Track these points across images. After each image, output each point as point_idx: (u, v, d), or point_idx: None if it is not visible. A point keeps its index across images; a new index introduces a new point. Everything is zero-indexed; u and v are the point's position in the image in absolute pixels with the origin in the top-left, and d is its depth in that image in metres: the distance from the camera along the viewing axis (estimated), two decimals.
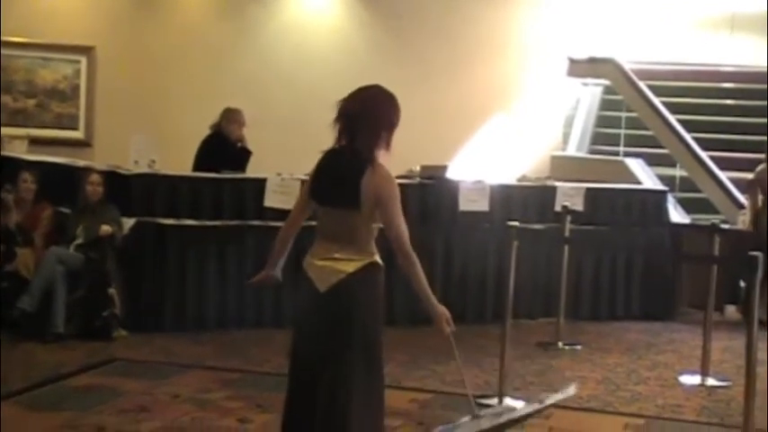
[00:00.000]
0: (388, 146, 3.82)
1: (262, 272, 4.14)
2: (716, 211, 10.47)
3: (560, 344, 7.86)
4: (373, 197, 3.74)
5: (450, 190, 8.63)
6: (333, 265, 3.79)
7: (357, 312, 3.78)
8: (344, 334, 3.78)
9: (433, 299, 3.79)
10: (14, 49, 10.41)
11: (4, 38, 10.13)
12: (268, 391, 6.03)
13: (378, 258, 3.90)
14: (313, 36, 11.30)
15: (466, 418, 3.81)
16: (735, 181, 10.60)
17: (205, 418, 5.48)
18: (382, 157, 3.86)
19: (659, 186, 10.15)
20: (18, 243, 7.65)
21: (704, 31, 12.83)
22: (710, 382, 6.85)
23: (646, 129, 11.61)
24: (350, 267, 3.79)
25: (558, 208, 8.62)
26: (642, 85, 11.59)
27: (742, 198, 10.24)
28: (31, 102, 10.59)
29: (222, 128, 8.57)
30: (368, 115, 3.79)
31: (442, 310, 3.81)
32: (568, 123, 12.47)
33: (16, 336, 7.15)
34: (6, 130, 9.77)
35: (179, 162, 8.41)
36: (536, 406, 3.76)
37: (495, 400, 6.07)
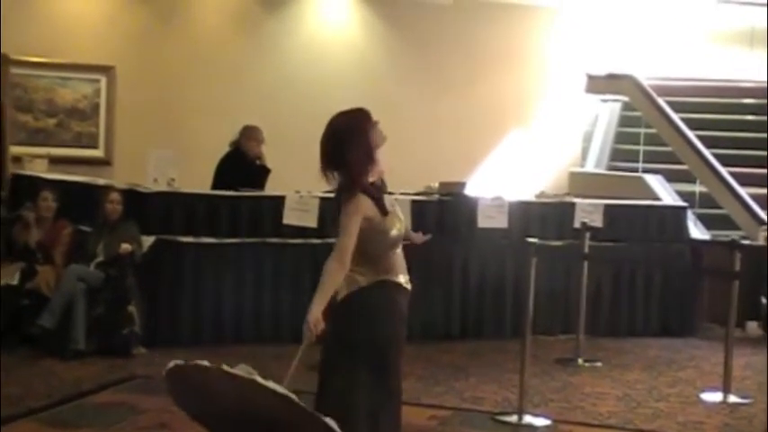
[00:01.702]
0: (360, 164, 3.81)
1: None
2: (736, 227, 10.42)
3: (580, 360, 7.83)
4: None
5: (469, 206, 8.62)
6: (353, 277, 3.84)
7: (362, 326, 3.79)
8: (349, 346, 3.81)
9: (316, 306, 3.70)
10: (34, 68, 10.47)
11: (24, 57, 10.20)
12: None
13: (395, 277, 3.91)
14: (331, 52, 11.33)
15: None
16: (755, 197, 10.55)
17: None
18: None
19: (679, 202, 10.11)
20: (38, 261, 7.71)
21: (723, 46, 12.79)
22: (732, 399, 6.80)
23: (665, 145, 11.57)
24: (363, 281, 3.84)
25: (576, 224, 8.59)
26: (661, 101, 11.56)
27: (762, 214, 10.18)
28: (52, 121, 10.64)
29: (241, 145, 8.61)
30: (326, 147, 3.86)
31: (316, 317, 3.69)
32: (587, 139, 12.46)
33: (37, 352, 7.19)
34: (27, 150, 9.83)
35: (198, 179, 8.44)
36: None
37: (514, 417, 6.06)
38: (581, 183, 11.44)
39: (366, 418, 3.78)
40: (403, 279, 3.94)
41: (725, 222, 10.70)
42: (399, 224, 3.90)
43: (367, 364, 3.80)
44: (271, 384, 3.36)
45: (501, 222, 8.60)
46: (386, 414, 3.83)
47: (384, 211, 3.84)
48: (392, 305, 3.89)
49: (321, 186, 8.02)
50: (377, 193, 3.87)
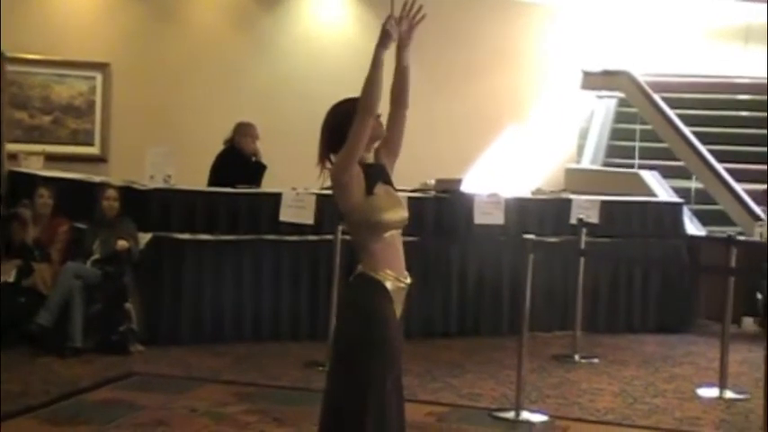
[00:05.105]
0: (344, 149, 3.66)
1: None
2: (732, 223, 10.43)
3: (577, 356, 7.84)
4: (339, 199, 3.66)
5: (465, 203, 8.62)
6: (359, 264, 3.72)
7: (342, 320, 3.73)
8: (333, 340, 3.77)
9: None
10: (30, 65, 10.45)
11: (20, 54, 10.18)
12: (285, 404, 6.05)
13: (375, 273, 3.60)
14: (327, 49, 11.32)
15: None
16: (751, 193, 10.56)
17: (223, 431, 5.49)
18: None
19: (675, 199, 10.13)
20: (35, 258, 7.69)
21: (719, 42, 12.82)
22: (729, 394, 6.81)
23: (660, 141, 11.58)
24: (357, 271, 3.68)
25: (573, 220, 8.60)
26: (657, 97, 11.57)
27: (758, 210, 10.20)
28: (47, 118, 10.63)
29: (235, 142, 8.59)
30: (324, 132, 3.86)
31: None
32: (583, 136, 12.47)
33: (34, 350, 7.18)
34: (23, 147, 9.83)
35: (195, 176, 8.43)
36: None
37: (511, 413, 6.07)
38: (577, 179, 11.45)
39: (335, 416, 3.58)
40: (389, 276, 3.61)
41: (721, 218, 10.72)
42: (385, 214, 3.68)
43: (339, 358, 3.63)
44: None
45: (498, 219, 8.61)
46: (353, 417, 3.52)
47: (369, 191, 3.68)
48: (365, 302, 3.59)
49: (318, 183, 8.03)
50: (368, 169, 3.72)
